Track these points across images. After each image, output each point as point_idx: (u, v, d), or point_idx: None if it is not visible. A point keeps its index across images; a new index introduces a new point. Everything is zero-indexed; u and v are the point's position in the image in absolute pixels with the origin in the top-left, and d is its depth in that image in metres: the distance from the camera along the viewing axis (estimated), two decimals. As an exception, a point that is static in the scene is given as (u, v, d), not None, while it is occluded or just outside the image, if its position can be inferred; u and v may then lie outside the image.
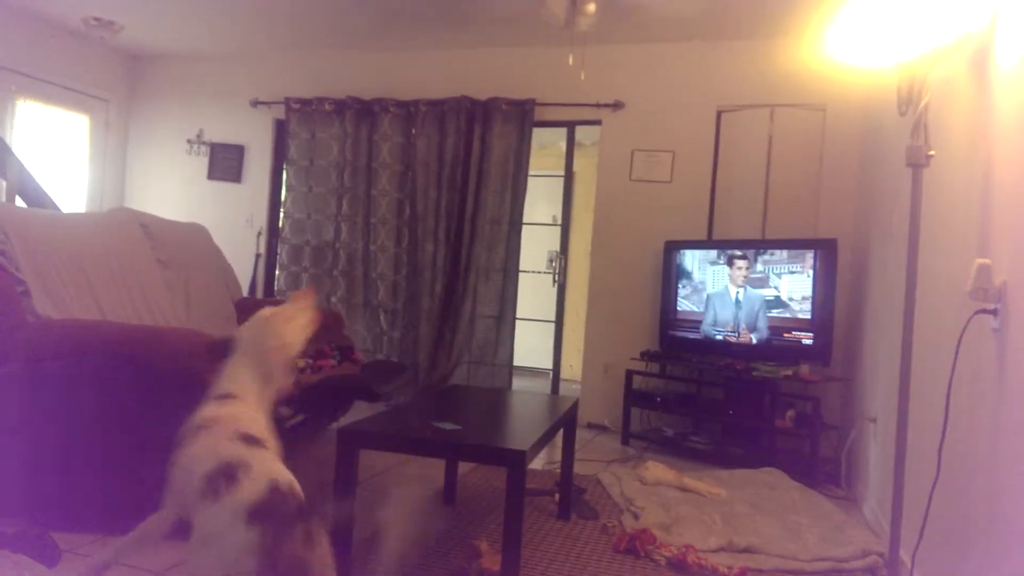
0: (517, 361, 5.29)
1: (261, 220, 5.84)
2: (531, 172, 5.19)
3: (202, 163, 5.97)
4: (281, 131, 5.78)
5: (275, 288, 5.67)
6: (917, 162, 2.08)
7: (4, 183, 4.48)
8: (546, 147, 6.83)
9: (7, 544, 1.14)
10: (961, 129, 2.27)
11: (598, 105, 5.01)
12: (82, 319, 2.85)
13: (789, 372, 3.98)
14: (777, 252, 4.21)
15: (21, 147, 5.20)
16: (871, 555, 2.64)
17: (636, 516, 2.97)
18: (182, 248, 3.85)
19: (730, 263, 4.38)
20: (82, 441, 2.50)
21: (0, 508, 2.48)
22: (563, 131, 5.36)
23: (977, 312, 1.88)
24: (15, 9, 5.15)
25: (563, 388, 5.52)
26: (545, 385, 5.73)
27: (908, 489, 2.18)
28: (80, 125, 5.88)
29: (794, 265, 4.13)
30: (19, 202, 4.47)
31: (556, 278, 5.73)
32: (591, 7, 3.73)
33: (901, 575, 2.25)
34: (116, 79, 6.09)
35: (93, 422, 2.50)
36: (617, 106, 4.99)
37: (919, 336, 2.17)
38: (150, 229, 3.65)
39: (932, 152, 2.07)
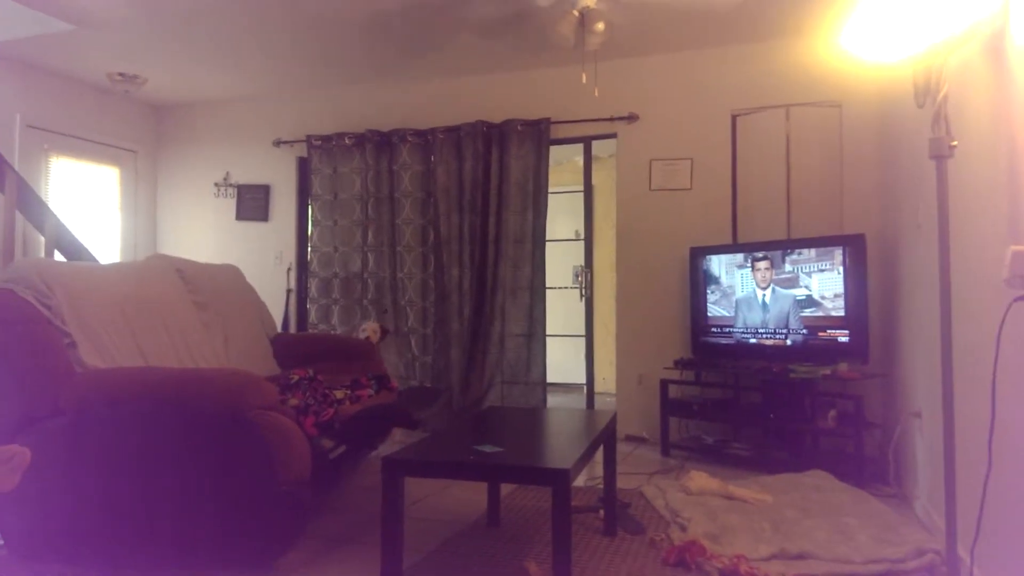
0: (550, 378, 5.29)
1: (290, 256, 5.95)
2: (550, 189, 5.23)
3: (230, 204, 6.10)
4: (304, 168, 5.90)
5: (308, 322, 5.75)
6: (940, 154, 2.08)
7: (43, 238, 4.62)
8: (563, 163, 6.88)
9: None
10: (982, 116, 2.26)
11: (613, 119, 5.05)
12: (127, 367, 2.92)
13: (828, 371, 3.94)
14: (805, 251, 4.19)
15: (56, 202, 5.36)
16: (928, 553, 2.60)
17: (683, 528, 2.96)
18: (217, 289, 3.93)
19: (754, 266, 4.36)
20: (132, 485, 2.56)
21: (51, 554, 2.54)
22: (579, 147, 5.40)
23: (1016, 300, 1.86)
24: (44, 70, 5.34)
25: (598, 402, 5.51)
26: (580, 400, 5.73)
27: (960, 483, 2.15)
28: (110, 177, 6.05)
29: (823, 263, 4.10)
30: (58, 256, 4.60)
31: (583, 292, 5.75)
32: (600, 25, 3.77)
33: (961, 572, 2.21)
34: (142, 130, 6.27)
35: (142, 467, 2.56)
36: (632, 118, 5.02)
37: (957, 327, 2.16)
38: (185, 273, 3.74)
39: (955, 143, 2.06)
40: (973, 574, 2.15)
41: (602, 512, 3.06)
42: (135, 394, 2.63)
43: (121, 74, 5.39)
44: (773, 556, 2.63)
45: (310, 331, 5.68)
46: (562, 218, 6.85)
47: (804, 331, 4.16)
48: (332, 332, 5.56)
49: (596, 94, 4.83)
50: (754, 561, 2.56)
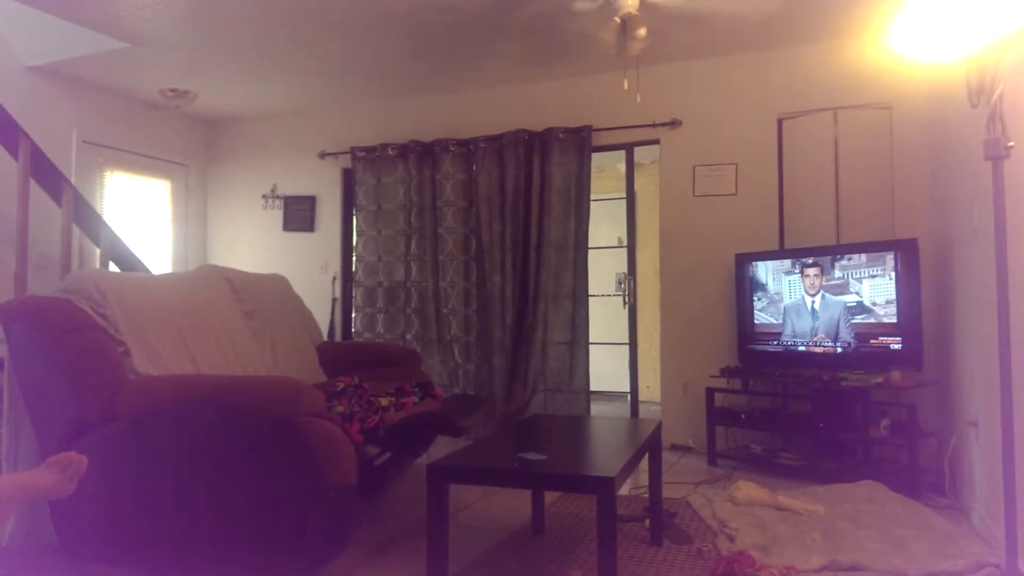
0: (593, 386, 5.26)
1: (335, 265, 6.04)
2: (592, 196, 5.22)
3: (277, 216, 6.23)
4: (348, 179, 5.99)
5: (352, 330, 5.83)
6: (997, 155, 2.02)
7: (98, 250, 4.77)
8: (605, 170, 6.85)
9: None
10: (1041, 116, 2.19)
11: (655, 125, 5.01)
12: (179, 374, 3.00)
13: (880, 380, 3.84)
14: (855, 256, 4.10)
15: (110, 215, 5.54)
16: (987, 567, 2.51)
17: (731, 538, 2.91)
18: (265, 299, 4.01)
19: (802, 272, 4.28)
20: (183, 490, 2.62)
21: (116, 558, 2.61)
22: (621, 154, 5.37)
23: (1079, 304, 1.79)
24: (98, 88, 5.53)
25: (642, 410, 5.46)
26: (623, 408, 5.68)
27: (1020, 494, 2.07)
28: (162, 190, 6.23)
29: (874, 268, 4.01)
30: (112, 267, 4.75)
31: (626, 300, 5.71)
32: (642, 31, 3.75)
33: (1022, 587, 2.12)
34: (193, 144, 6.45)
35: (192, 472, 2.62)
36: (675, 124, 4.98)
37: (1016, 333, 2.08)
38: (234, 283, 3.82)
39: (1011, 143, 2.00)
40: (1037, 590, 2.07)
41: (648, 521, 3.03)
42: (186, 401, 2.70)
43: (173, 90, 5.56)
44: (824, 568, 2.57)
45: (355, 339, 5.75)
46: (605, 225, 6.82)
47: (855, 338, 4.06)
48: (377, 340, 5.62)
49: (638, 100, 4.80)
50: (805, 572, 2.50)
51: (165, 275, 4.12)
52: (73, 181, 4.89)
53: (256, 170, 6.35)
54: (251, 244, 6.32)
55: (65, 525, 2.68)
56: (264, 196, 6.26)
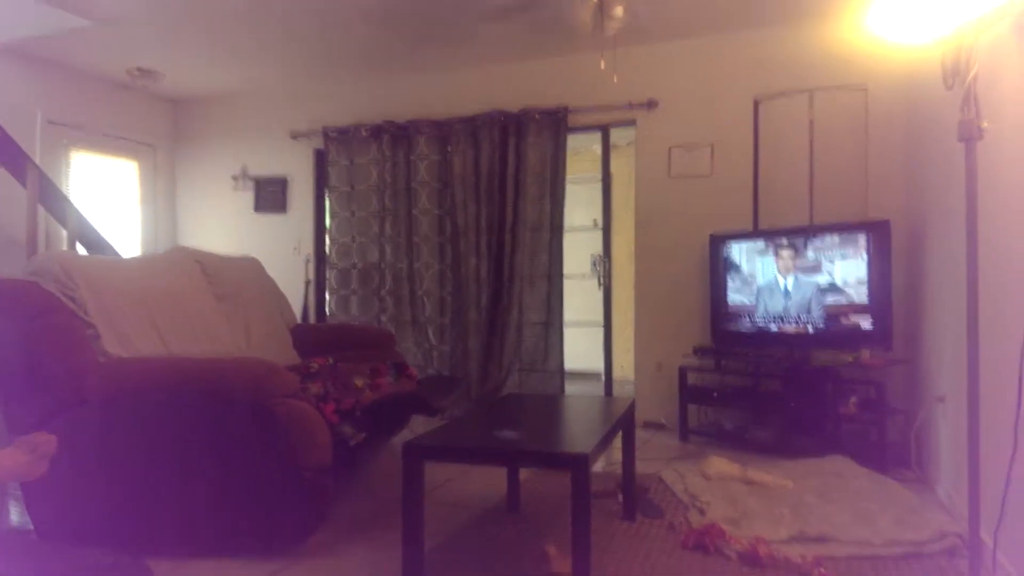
0: (568, 366, 5.29)
1: (308, 247, 5.99)
2: (568, 177, 5.22)
3: (248, 197, 6.15)
4: (321, 160, 5.93)
5: (326, 312, 5.79)
6: (970, 136, 2.04)
7: (65, 232, 4.68)
8: (581, 151, 6.85)
9: (106, 571, 1.21)
10: (1013, 97, 2.22)
11: (632, 106, 5.01)
12: (150, 357, 2.96)
13: (850, 358, 3.91)
14: (828, 237, 4.15)
15: (77, 196, 5.43)
16: (949, 536, 2.58)
17: (702, 512, 2.95)
18: (237, 281, 3.96)
19: (776, 252, 4.32)
20: (157, 472, 2.60)
21: (90, 540, 2.59)
22: (597, 135, 5.37)
23: (1041, 280, 1.83)
24: (63, 67, 5.40)
25: (616, 389, 5.51)
26: (598, 388, 5.72)
27: (984, 467, 2.13)
28: (129, 171, 6.12)
29: (847, 249, 4.06)
30: (80, 249, 4.66)
31: (601, 281, 5.73)
32: (619, 10, 3.75)
33: (983, 555, 2.19)
34: (160, 124, 6.33)
35: (166, 454, 2.60)
36: (651, 105, 4.99)
37: (985, 312, 2.13)
38: (206, 266, 3.77)
39: (985, 124, 2.02)
40: (996, 557, 2.13)
41: (621, 497, 3.07)
42: (159, 383, 2.67)
43: (139, 69, 5.44)
44: (792, 539, 2.62)
45: (329, 322, 5.72)
46: (580, 207, 6.83)
47: (826, 318, 4.12)
48: (351, 322, 5.59)
49: (615, 80, 4.78)
50: (773, 543, 2.55)
51: (135, 258, 4.06)
52: (38, 162, 4.78)
53: (226, 151, 6.25)
54: (222, 226, 6.23)
55: (38, 508, 2.65)
56: (234, 177, 6.17)
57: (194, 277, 3.65)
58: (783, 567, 2.41)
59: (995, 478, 2.15)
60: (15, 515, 1.68)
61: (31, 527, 2.66)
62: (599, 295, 5.66)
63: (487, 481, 3.46)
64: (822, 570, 2.28)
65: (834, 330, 4.08)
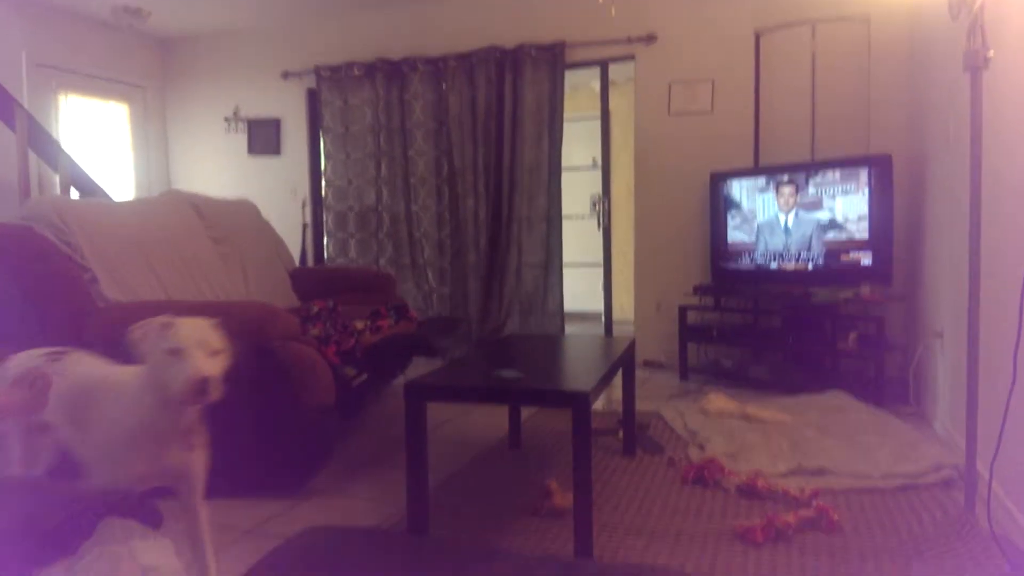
0: (568, 307, 5.30)
1: (304, 190, 5.92)
2: (566, 116, 5.12)
3: (241, 139, 6.05)
4: (314, 101, 5.81)
5: (325, 256, 5.77)
6: (976, 65, 1.99)
7: (57, 177, 4.62)
8: (579, 88, 6.71)
9: (116, 510, 1.22)
10: (1018, 29, 2.16)
11: (630, 40, 4.89)
12: (149, 300, 2.95)
13: (850, 295, 3.90)
14: (829, 173, 4.10)
15: (67, 140, 5.34)
16: (945, 468, 2.62)
17: (702, 447, 2.99)
18: (234, 225, 3.93)
19: (776, 189, 4.28)
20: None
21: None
22: (595, 71, 5.26)
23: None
24: (48, 7, 5.24)
25: (616, 330, 5.53)
26: (598, 328, 5.75)
27: (982, 400, 2.14)
28: (120, 114, 6.00)
29: (848, 185, 4.02)
30: (73, 193, 4.61)
31: (600, 221, 5.69)
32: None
33: (978, 486, 2.22)
34: (150, 65, 6.18)
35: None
36: (651, 39, 4.86)
37: (986, 243, 2.11)
38: (201, 209, 3.73)
39: (991, 53, 1.97)
40: (992, 487, 2.16)
41: (621, 434, 3.10)
42: (158, 326, 2.66)
43: (125, 7, 5.28)
44: (791, 472, 2.66)
45: (327, 265, 5.70)
46: (578, 146, 6.74)
47: (826, 255, 4.10)
48: (350, 266, 5.58)
49: (613, 13, 4.66)
50: (772, 477, 2.59)
51: (129, 202, 4.01)
52: (25, 105, 4.68)
53: (217, 92, 6.12)
54: (216, 169, 6.15)
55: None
56: (226, 119, 6.06)
57: (190, 220, 3.61)
58: (781, 499, 2.45)
59: (993, 411, 2.16)
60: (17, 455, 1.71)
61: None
62: (599, 235, 5.63)
63: (489, 420, 3.50)
64: (819, 502, 2.32)
65: (834, 267, 4.07)
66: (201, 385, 1.53)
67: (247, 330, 2.59)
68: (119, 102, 5.98)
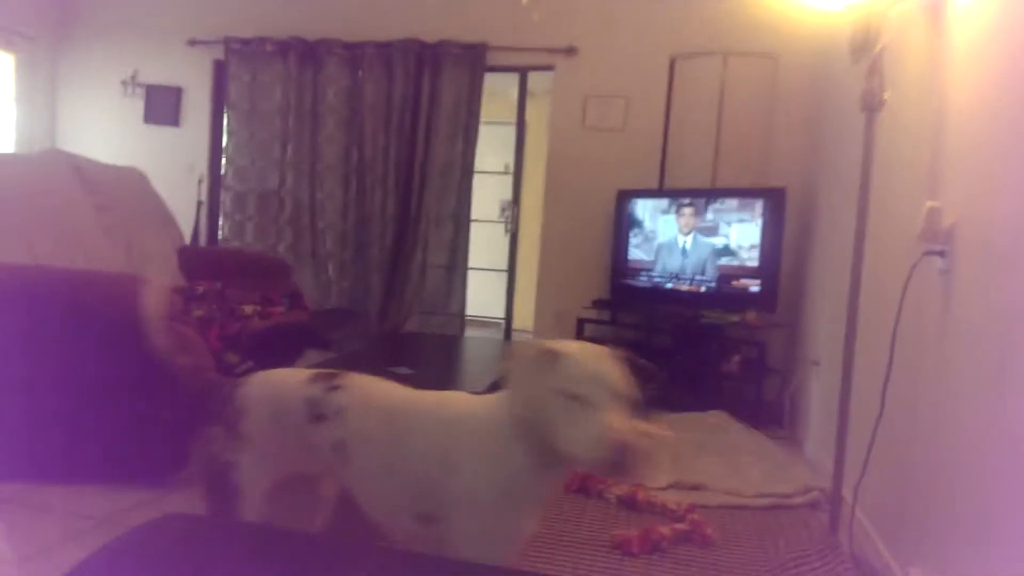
0: (470, 311, 5.27)
1: (202, 167, 5.63)
2: (482, 119, 5.10)
3: (138, 106, 5.69)
4: (221, 73, 5.53)
5: (219, 237, 5.50)
6: (872, 106, 2.10)
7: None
8: (497, 95, 6.70)
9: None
10: (915, 73, 2.29)
11: (551, 50, 4.93)
12: (11, 263, 2.71)
13: (736, 319, 4.06)
14: (727, 201, 4.25)
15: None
16: (813, 491, 2.75)
17: (588, 458, 3.02)
18: (120, 193, 3.68)
19: (678, 211, 4.41)
20: (22, 393, 2.40)
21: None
22: (514, 79, 5.26)
23: (925, 253, 1.92)
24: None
25: (516, 337, 5.54)
26: (497, 335, 5.75)
27: (851, 428, 2.26)
28: (5, 64, 5.53)
29: (744, 214, 4.18)
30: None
31: (508, 227, 5.70)
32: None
33: (842, 510, 2.33)
34: (43, 16, 5.72)
35: (31, 374, 2.40)
36: (571, 51, 4.92)
37: (867, 279, 2.22)
38: (84, 173, 3.47)
39: (887, 95, 2.08)
40: (855, 512, 2.28)
41: (510, 441, 3.08)
42: (20, 292, 2.45)
43: (17, -53, 4.88)
44: (670, 486, 2.73)
45: (221, 247, 5.43)
46: (492, 151, 6.72)
47: (718, 279, 4.25)
48: (245, 249, 5.34)
49: (535, 19, 4.68)
50: (652, 490, 2.64)
51: (2, 155, 3.69)
52: None
53: (116, 52, 5.73)
54: (107, 134, 5.75)
55: None
56: (123, 82, 5.68)
57: (70, 184, 3.35)
58: (659, 512, 2.50)
59: (860, 438, 2.28)
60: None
61: None
62: (505, 241, 5.64)
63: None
64: (695, 516, 2.38)
65: (725, 291, 4.22)
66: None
67: (116, 304, 2.42)
68: (5, 51, 5.50)
